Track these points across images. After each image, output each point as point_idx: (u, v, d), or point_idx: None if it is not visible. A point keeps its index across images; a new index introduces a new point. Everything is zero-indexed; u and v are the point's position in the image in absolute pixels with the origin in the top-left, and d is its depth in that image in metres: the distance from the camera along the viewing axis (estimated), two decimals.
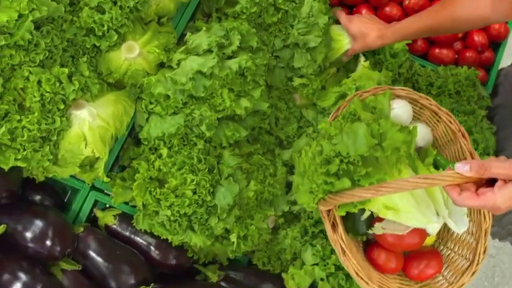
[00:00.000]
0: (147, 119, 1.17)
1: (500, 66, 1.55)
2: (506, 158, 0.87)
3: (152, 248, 1.22)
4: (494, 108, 1.45)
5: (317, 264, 1.31)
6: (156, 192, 1.15)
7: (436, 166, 1.17)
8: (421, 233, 1.15)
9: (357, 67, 1.45)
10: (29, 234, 1.05)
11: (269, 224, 1.33)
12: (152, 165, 1.18)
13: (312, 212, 1.35)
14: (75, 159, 1.08)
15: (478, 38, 1.51)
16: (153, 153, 1.20)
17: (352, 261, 1.10)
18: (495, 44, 1.56)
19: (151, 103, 1.15)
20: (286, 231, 1.33)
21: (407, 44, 1.48)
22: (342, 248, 1.10)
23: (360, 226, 1.20)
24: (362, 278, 1.11)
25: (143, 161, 1.18)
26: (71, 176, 1.17)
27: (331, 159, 1.01)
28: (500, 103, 1.42)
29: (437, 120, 1.22)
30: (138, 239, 1.22)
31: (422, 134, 1.23)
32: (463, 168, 0.85)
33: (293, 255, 1.37)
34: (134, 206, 1.24)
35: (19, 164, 1.00)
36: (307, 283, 1.32)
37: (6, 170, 1.02)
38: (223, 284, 1.27)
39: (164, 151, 1.16)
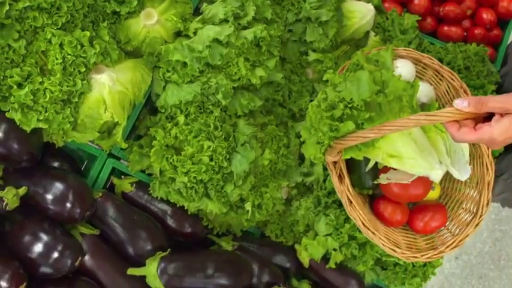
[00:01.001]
0: (164, 87, 1.19)
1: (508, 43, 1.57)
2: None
3: (168, 215, 1.23)
4: (502, 76, 1.47)
5: (330, 234, 1.33)
6: (173, 159, 1.16)
7: None
8: (425, 183, 1.18)
9: (367, 43, 1.47)
10: (49, 196, 1.06)
11: (282, 195, 1.34)
12: (169, 133, 1.19)
13: (324, 182, 1.37)
14: (95, 124, 1.10)
15: (487, 15, 1.53)
16: (169, 122, 1.21)
17: (359, 211, 1.13)
18: (503, 22, 1.58)
19: (168, 71, 1.16)
20: (299, 202, 1.35)
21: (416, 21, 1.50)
22: (349, 199, 1.14)
23: (365, 179, 1.24)
24: (369, 229, 1.13)
25: (160, 129, 1.20)
26: (89, 143, 1.19)
27: (335, 105, 1.05)
28: (508, 71, 1.44)
29: (440, 79, 1.26)
30: (154, 206, 1.23)
31: (425, 91, 1.26)
32: (462, 104, 0.88)
33: (306, 227, 1.38)
34: (150, 175, 1.26)
35: (41, 125, 1.02)
36: (320, 254, 1.33)
37: (27, 132, 1.03)
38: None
39: (181, 119, 1.18)
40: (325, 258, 1.34)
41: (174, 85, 1.17)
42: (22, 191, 1.04)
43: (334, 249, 1.32)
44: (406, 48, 1.26)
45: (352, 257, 1.37)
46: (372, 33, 1.44)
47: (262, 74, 1.20)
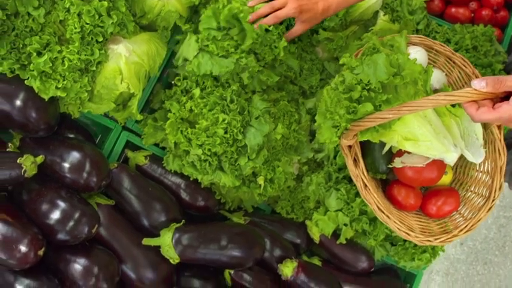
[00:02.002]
0: (197, 55, 1.17)
1: None
2: None
3: (181, 189, 1.24)
4: (510, 63, 1.49)
5: (341, 210, 1.34)
6: (187, 132, 1.18)
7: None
8: (439, 166, 1.19)
9: (376, 23, 1.48)
10: (66, 165, 1.08)
11: (294, 171, 1.36)
12: (183, 106, 1.20)
13: (335, 158, 1.38)
14: (111, 94, 1.11)
15: None
16: (184, 95, 1.23)
17: (374, 195, 1.14)
18: (510, 4, 1.60)
19: (207, 39, 1.14)
20: (310, 177, 1.36)
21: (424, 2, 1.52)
22: (364, 183, 1.14)
23: (379, 164, 1.24)
24: (383, 212, 1.14)
25: (175, 102, 1.21)
26: (104, 116, 1.20)
27: (353, 87, 1.06)
28: None
29: (452, 66, 1.26)
30: (167, 180, 1.24)
31: (438, 77, 1.28)
32: (480, 84, 0.89)
33: (316, 204, 1.39)
34: (164, 148, 1.27)
35: (59, 93, 1.03)
36: (331, 229, 1.34)
37: (45, 101, 1.05)
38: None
39: (196, 92, 1.19)
40: (336, 234, 1.36)
41: (208, 55, 1.16)
42: (40, 159, 1.05)
43: (345, 225, 1.34)
44: (419, 36, 1.27)
45: (362, 233, 1.39)
46: (381, 13, 1.46)
47: (292, 50, 1.23)
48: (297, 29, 1.22)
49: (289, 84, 1.38)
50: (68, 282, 1.05)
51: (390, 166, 1.22)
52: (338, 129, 1.09)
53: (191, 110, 1.19)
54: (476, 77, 1.22)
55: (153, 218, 1.17)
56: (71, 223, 1.03)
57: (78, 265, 1.04)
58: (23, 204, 1.07)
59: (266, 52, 1.19)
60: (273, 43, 1.19)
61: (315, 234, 1.36)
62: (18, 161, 1.01)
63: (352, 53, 1.40)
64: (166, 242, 1.13)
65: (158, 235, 1.16)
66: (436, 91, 1.27)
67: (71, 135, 1.20)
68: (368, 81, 1.06)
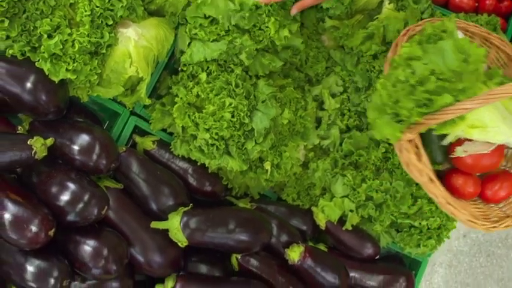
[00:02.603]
0: (189, 44, 1.20)
1: None
2: None
3: (189, 174, 1.25)
4: None
5: (347, 196, 1.35)
6: (194, 116, 1.19)
7: None
8: (500, 151, 1.15)
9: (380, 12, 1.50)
10: (76, 147, 1.08)
11: (300, 157, 1.37)
12: (190, 91, 1.21)
13: (341, 145, 1.39)
14: (120, 78, 1.12)
15: None
16: (191, 81, 1.23)
17: (440, 188, 1.07)
18: None
19: (195, 28, 1.17)
20: (316, 163, 1.37)
21: None
22: (430, 177, 1.07)
23: (436, 155, 1.18)
24: (451, 205, 1.09)
25: (182, 87, 1.22)
26: (112, 100, 1.21)
27: (426, 78, 0.99)
28: None
29: (488, 47, 1.23)
30: (175, 165, 1.25)
31: None
32: None
33: (322, 191, 1.40)
34: (171, 134, 1.28)
35: (69, 75, 1.04)
36: (337, 215, 1.35)
37: (55, 84, 1.06)
38: None
39: (203, 76, 1.20)
40: (342, 220, 1.36)
41: (200, 42, 1.19)
42: (49, 141, 1.06)
43: (351, 211, 1.34)
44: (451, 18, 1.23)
45: (368, 220, 1.39)
46: (386, 1, 1.47)
47: (286, 34, 1.22)
48: None
49: (295, 71, 1.39)
50: (77, 264, 1.05)
51: (452, 156, 1.15)
52: (403, 124, 1.02)
53: (198, 95, 1.20)
54: None
55: (161, 201, 1.18)
56: (81, 204, 1.04)
57: (87, 246, 1.05)
58: (32, 186, 1.08)
59: (258, 33, 1.20)
60: (263, 23, 1.19)
61: (321, 221, 1.36)
62: (28, 143, 1.02)
63: (358, 40, 1.41)
64: (175, 225, 1.14)
65: (166, 219, 1.17)
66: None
67: (80, 119, 1.20)
68: (441, 71, 0.99)
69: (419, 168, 1.06)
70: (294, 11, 1.23)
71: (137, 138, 1.25)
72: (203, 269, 1.26)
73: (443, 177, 1.24)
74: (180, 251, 1.19)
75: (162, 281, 1.18)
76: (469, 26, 1.21)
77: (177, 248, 1.18)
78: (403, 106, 1.00)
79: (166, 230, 1.16)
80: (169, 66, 1.32)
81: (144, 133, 1.27)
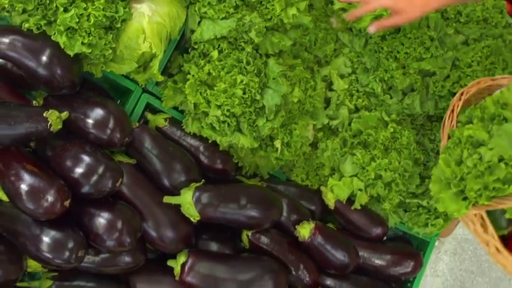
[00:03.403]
0: (199, 23, 1.22)
1: None
2: None
3: (200, 151, 1.26)
4: None
5: (356, 175, 1.37)
6: (206, 93, 1.20)
7: None
8: None
9: None
10: (90, 121, 1.09)
11: (309, 137, 1.38)
12: (202, 69, 1.23)
13: (350, 125, 1.40)
14: (133, 54, 1.13)
15: None
16: (202, 59, 1.25)
17: (509, 258, 1.04)
18: None
19: (204, 6, 1.19)
20: (325, 143, 1.38)
21: None
22: (497, 248, 1.05)
23: (501, 220, 1.13)
24: None
25: (193, 65, 1.23)
26: (125, 77, 1.22)
27: (495, 166, 0.97)
28: None
29: None
30: (186, 142, 1.26)
31: None
32: None
33: (331, 171, 1.41)
34: (182, 112, 1.29)
35: (84, 49, 1.05)
36: (346, 194, 1.36)
37: (70, 59, 1.07)
38: None
39: (214, 54, 1.21)
40: (350, 201, 1.38)
41: (209, 20, 1.20)
42: (64, 115, 1.06)
43: (360, 190, 1.36)
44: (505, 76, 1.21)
45: (376, 200, 1.41)
46: None
47: (294, 12, 1.24)
48: (392, 21, 1.17)
49: (304, 52, 1.41)
50: (92, 236, 1.06)
51: None
52: (469, 203, 1.01)
53: (209, 73, 1.22)
54: None
55: (173, 177, 1.19)
56: (96, 176, 1.04)
57: (102, 219, 1.06)
58: (47, 160, 1.08)
59: (265, 11, 1.21)
60: (269, 1, 1.21)
61: (330, 200, 1.38)
62: (44, 115, 1.02)
63: (366, 22, 1.43)
64: (187, 200, 1.15)
65: (178, 195, 1.18)
66: None
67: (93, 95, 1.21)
68: (509, 156, 0.96)
69: (485, 240, 1.06)
70: None
71: (149, 116, 1.26)
72: (213, 247, 1.27)
73: (509, 239, 1.17)
74: (191, 227, 1.20)
75: (173, 257, 1.19)
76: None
77: (189, 224, 1.19)
78: (471, 188, 0.98)
79: (179, 206, 1.17)
80: (180, 47, 1.33)
81: (155, 112, 1.28)
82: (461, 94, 1.17)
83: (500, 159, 0.97)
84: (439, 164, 1.06)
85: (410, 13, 1.14)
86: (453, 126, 1.14)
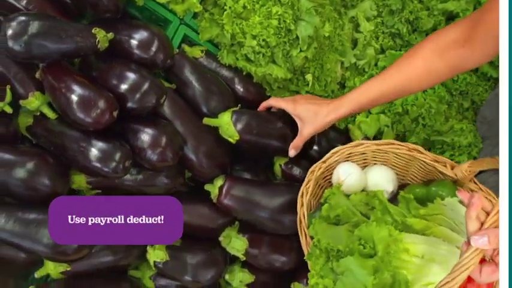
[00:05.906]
0: None
1: None
2: None
3: (235, 82, 1.31)
4: None
5: (383, 112, 1.41)
6: (242, 25, 1.24)
7: (422, 201, 1.06)
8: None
9: None
10: (135, 42, 1.13)
11: (338, 75, 1.42)
12: (237, 2, 1.27)
13: (376, 65, 1.45)
14: None
15: None
16: None
17: None
18: None
19: None
20: (353, 81, 1.42)
21: None
22: None
23: None
24: None
25: None
26: (164, 8, 1.27)
27: None
28: None
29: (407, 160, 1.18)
30: (222, 73, 1.31)
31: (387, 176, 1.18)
32: (480, 241, 0.72)
33: None
34: (217, 47, 1.33)
35: None
36: (373, 131, 1.40)
37: None
38: None
39: None
40: (377, 138, 1.42)
41: None
42: (110, 35, 1.11)
43: (387, 126, 1.40)
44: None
45: (401, 140, 1.45)
46: None
47: None
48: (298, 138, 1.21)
49: None
50: (136, 150, 1.10)
51: None
52: None
53: (244, 7, 1.26)
54: (437, 162, 1.10)
55: (211, 103, 1.23)
56: (141, 92, 1.08)
57: (146, 134, 1.09)
58: (93, 78, 1.12)
59: None
60: None
61: (357, 137, 1.41)
62: (93, 31, 1.07)
63: None
64: (226, 121, 1.19)
65: None
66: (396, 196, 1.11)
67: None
68: None
69: None
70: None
71: (186, 48, 1.30)
72: (247, 175, 1.31)
73: None
74: (228, 153, 1.24)
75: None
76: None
77: (226, 150, 1.23)
78: None
79: (216, 132, 1.21)
80: None
81: (191, 45, 1.33)
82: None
83: None
84: None
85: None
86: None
